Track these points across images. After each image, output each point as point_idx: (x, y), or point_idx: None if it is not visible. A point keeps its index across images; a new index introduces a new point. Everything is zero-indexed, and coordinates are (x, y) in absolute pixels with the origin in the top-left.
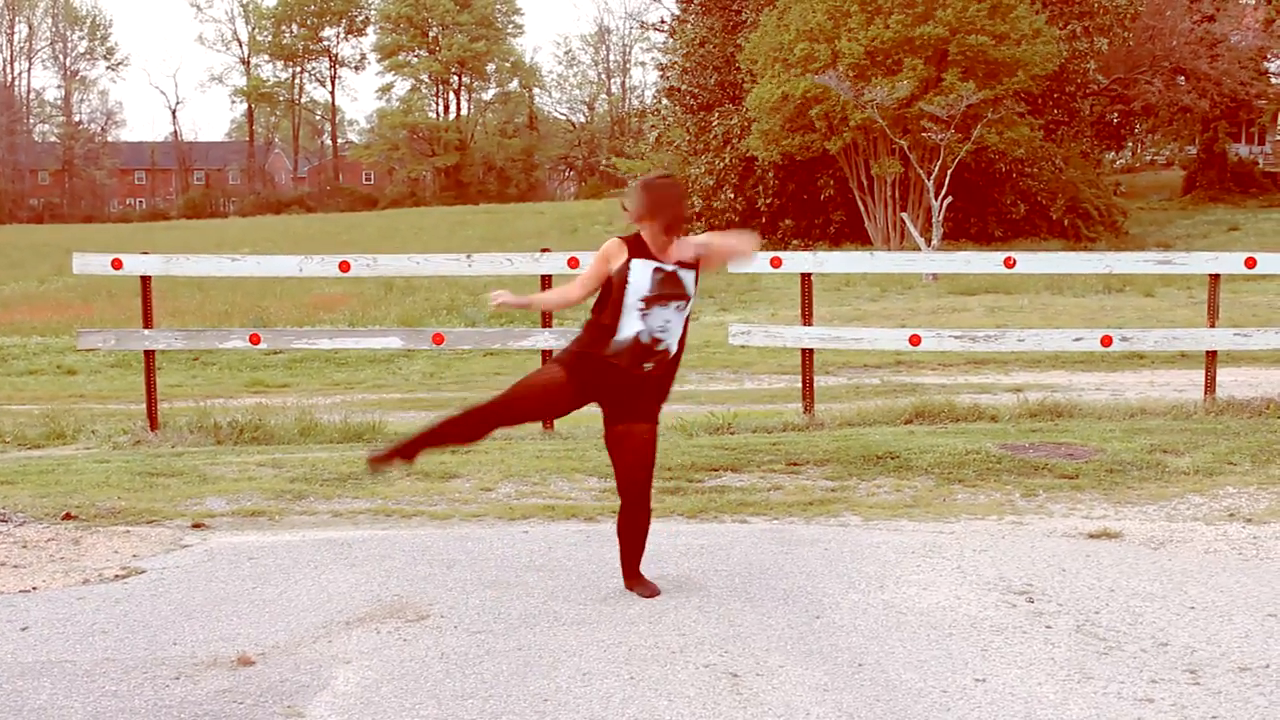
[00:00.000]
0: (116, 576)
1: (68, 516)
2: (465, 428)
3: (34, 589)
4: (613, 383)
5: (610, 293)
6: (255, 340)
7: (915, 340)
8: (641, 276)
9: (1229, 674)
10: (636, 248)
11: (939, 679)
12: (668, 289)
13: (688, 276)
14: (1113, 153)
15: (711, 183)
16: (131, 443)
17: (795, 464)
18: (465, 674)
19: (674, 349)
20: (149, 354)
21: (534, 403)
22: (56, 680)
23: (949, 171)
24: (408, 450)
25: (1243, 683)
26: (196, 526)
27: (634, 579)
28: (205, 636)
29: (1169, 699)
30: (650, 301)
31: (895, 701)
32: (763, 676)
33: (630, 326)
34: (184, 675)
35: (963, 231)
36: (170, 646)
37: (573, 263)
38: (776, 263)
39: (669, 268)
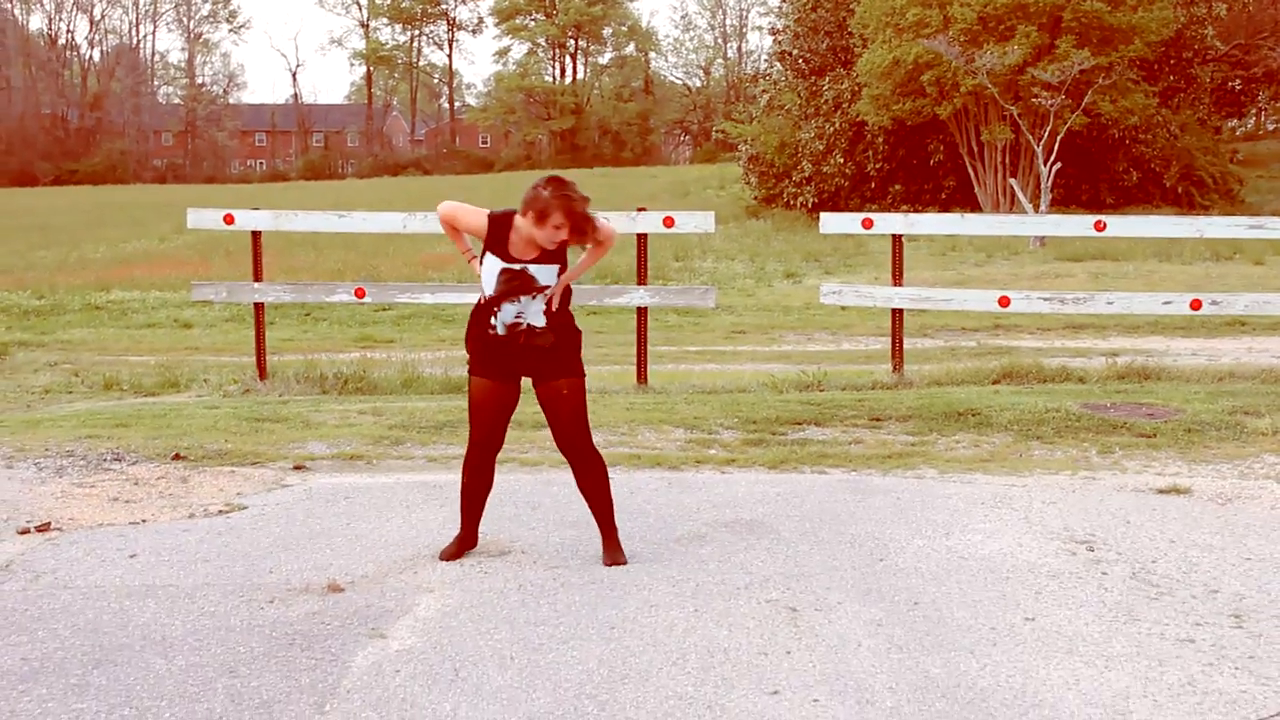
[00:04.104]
0: (220, 512)
1: (177, 457)
2: (478, 476)
3: (143, 521)
4: (512, 351)
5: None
6: (360, 294)
7: (1004, 301)
8: (490, 271)
9: (1273, 619)
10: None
11: (989, 617)
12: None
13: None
14: (1235, 120)
15: (821, 147)
16: (241, 391)
17: (878, 419)
18: (539, 603)
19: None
20: (259, 306)
21: (488, 413)
22: (160, 601)
23: (1059, 138)
24: (469, 538)
25: None
26: (298, 468)
27: (610, 548)
28: (299, 566)
29: (1209, 640)
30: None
31: (944, 635)
32: (821, 612)
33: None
34: (278, 599)
35: (1074, 198)
36: (267, 574)
37: (668, 222)
38: (868, 224)
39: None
